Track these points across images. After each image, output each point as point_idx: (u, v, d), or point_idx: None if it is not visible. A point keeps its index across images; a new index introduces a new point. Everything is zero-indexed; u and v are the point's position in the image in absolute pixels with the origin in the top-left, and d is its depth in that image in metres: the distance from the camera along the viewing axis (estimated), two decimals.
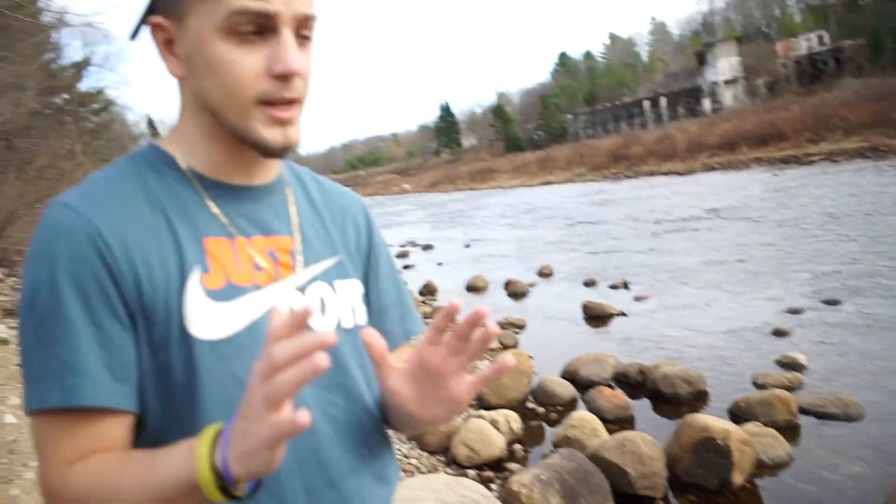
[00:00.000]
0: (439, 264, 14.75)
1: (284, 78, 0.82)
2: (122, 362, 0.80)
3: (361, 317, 1.00)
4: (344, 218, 1.06)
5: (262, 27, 0.81)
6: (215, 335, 0.83)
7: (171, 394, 0.83)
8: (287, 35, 0.82)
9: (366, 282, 1.05)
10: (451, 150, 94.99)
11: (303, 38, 0.86)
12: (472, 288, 11.41)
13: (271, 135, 0.84)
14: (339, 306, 0.97)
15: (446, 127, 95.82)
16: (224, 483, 0.69)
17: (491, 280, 11.71)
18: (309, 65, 0.86)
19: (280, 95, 0.83)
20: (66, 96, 23.27)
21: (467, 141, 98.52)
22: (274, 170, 0.97)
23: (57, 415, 0.78)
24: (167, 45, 0.86)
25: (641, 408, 5.51)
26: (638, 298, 9.14)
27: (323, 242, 0.99)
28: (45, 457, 0.80)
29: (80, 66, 24.46)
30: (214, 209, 0.89)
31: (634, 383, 5.99)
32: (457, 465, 4.85)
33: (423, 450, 5.12)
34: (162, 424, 0.83)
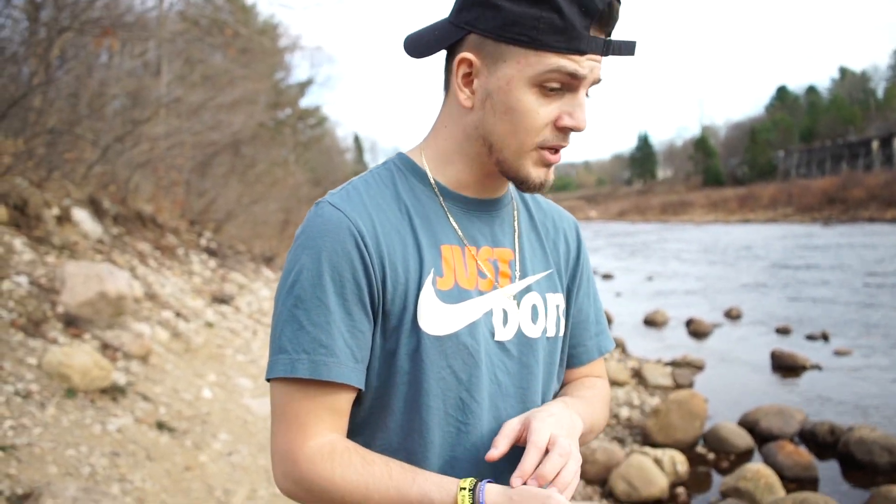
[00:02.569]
0: (618, 294, 14.36)
1: (568, 131, 0.95)
2: (362, 346, 0.94)
3: (562, 328, 1.11)
4: (556, 234, 1.14)
5: (566, 85, 0.91)
6: (440, 331, 0.95)
7: (392, 377, 0.96)
8: (582, 96, 0.93)
9: (568, 296, 1.13)
10: (643, 181, 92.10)
11: (586, 96, 0.96)
12: (650, 322, 10.99)
13: (537, 174, 0.97)
14: (549, 316, 1.07)
15: (642, 157, 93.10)
16: None
17: (671, 316, 11.20)
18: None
19: (559, 144, 0.95)
20: (288, 111, 25.82)
21: (662, 172, 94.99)
22: (504, 187, 1.07)
23: (301, 384, 0.92)
24: (466, 78, 0.96)
25: (828, 470, 5.00)
26: (838, 353, 8.28)
27: (538, 256, 1.09)
28: (285, 419, 0.93)
29: (304, 85, 27.05)
30: (452, 220, 1.01)
31: (822, 443, 5.44)
32: (613, 499, 4.71)
33: (580, 477, 5.03)
34: (374, 402, 0.98)
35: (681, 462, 4.97)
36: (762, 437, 5.59)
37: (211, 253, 9.28)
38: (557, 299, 1.09)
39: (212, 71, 11.92)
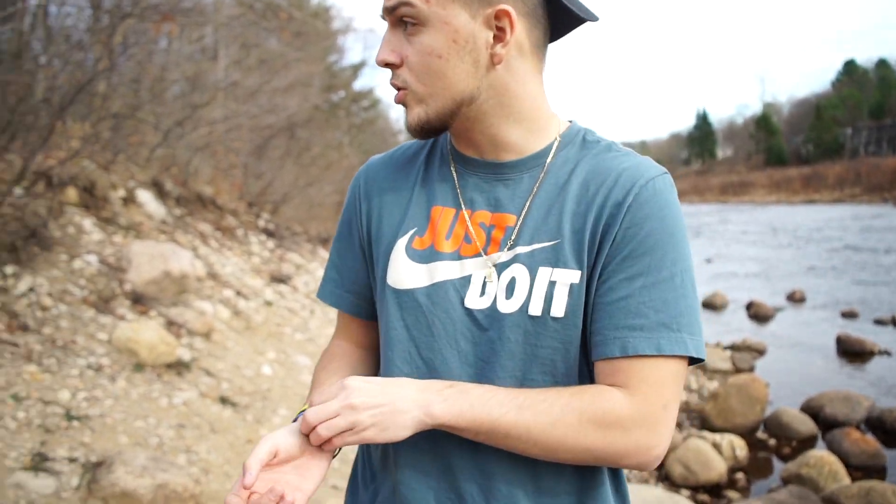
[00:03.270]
0: None
1: (386, 68, 0.94)
2: (348, 279, 1.12)
3: (559, 308, 0.91)
4: (593, 199, 0.93)
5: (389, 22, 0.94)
6: (400, 286, 1.00)
7: (378, 321, 1.09)
8: (385, 29, 0.94)
9: (593, 272, 0.92)
10: (702, 161, 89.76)
11: (407, 24, 0.90)
12: (709, 305, 10.75)
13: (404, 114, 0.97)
14: (534, 292, 0.92)
15: (701, 136, 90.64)
16: None
17: (731, 299, 10.94)
18: (414, 50, 0.91)
19: (391, 83, 0.95)
20: (342, 94, 26.04)
21: (722, 152, 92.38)
22: (530, 147, 0.98)
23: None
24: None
25: None
26: None
27: (547, 225, 0.94)
28: None
29: (357, 68, 27.20)
30: (457, 182, 1.01)
31: (891, 430, 5.26)
32: (670, 483, 4.66)
33: None
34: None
35: (740, 447, 4.87)
36: (826, 424, 5.43)
37: (269, 234, 9.48)
38: (562, 275, 0.92)
39: (267, 55, 12.09)
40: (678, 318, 0.88)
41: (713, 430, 5.35)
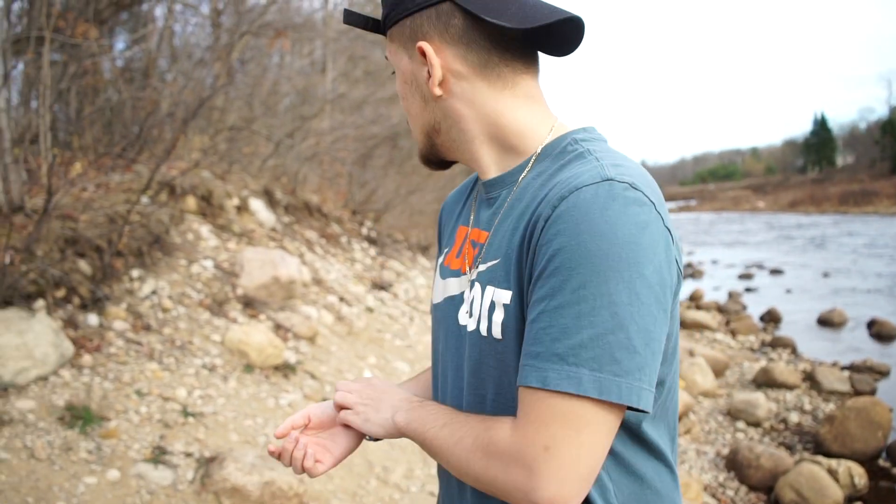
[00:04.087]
0: (788, 291, 13.35)
1: None
2: None
3: (497, 328, 0.89)
4: (525, 212, 0.89)
5: None
6: (433, 301, 1.12)
7: None
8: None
9: (524, 293, 0.87)
10: (819, 168, 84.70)
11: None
12: (826, 322, 10.12)
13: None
14: (482, 312, 0.92)
15: (819, 142, 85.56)
16: None
17: (851, 316, 10.25)
18: (397, 88, 1.03)
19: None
20: None
21: (842, 159, 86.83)
22: (507, 164, 0.98)
23: None
24: None
25: None
26: None
27: (497, 243, 0.93)
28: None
29: None
30: (475, 203, 1.08)
31: None
32: None
33: (742, 482, 4.77)
34: None
35: (859, 475, 4.56)
36: None
37: (371, 241, 9.74)
38: (501, 295, 0.89)
39: (372, 67, 12.45)
40: (578, 349, 0.76)
41: (828, 454, 5.03)
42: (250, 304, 4.98)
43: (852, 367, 7.46)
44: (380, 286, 7.58)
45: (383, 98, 11.24)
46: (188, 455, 3.24)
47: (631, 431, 0.89)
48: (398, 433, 0.99)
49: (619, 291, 0.76)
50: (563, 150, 0.92)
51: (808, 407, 6.24)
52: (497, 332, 0.90)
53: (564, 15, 0.89)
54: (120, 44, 7.96)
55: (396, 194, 12.48)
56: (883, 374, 7.29)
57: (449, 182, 17.22)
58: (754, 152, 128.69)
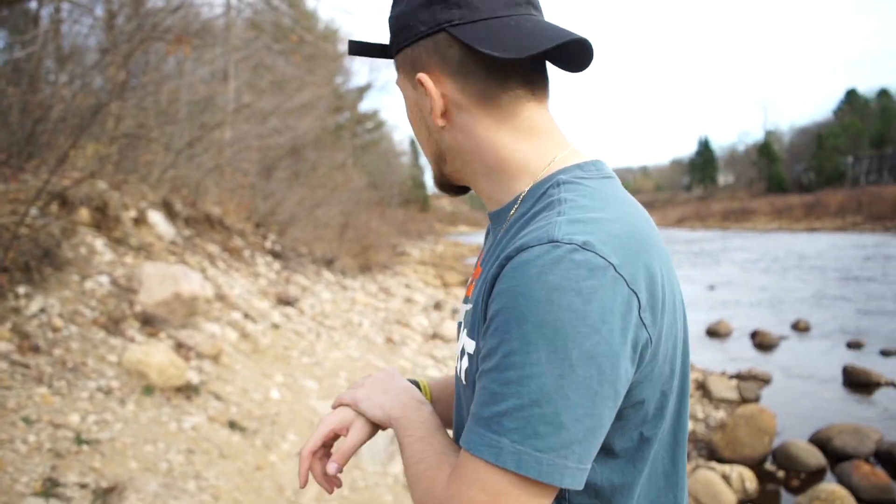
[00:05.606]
0: None
1: None
2: None
3: (463, 375, 0.91)
4: (491, 265, 0.84)
5: None
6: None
7: None
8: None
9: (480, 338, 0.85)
10: (704, 187, 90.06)
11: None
12: (713, 333, 10.73)
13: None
14: (460, 357, 0.93)
15: (703, 162, 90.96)
16: None
17: (735, 327, 10.91)
18: (408, 119, 1.01)
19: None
20: (347, 115, 26.22)
21: (723, 178, 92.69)
22: (503, 198, 0.94)
23: None
24: None
25: None
26: None
27: (479, 287, 0.89)
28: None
29: (363, 90, 27.46)
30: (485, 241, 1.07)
31: None
32: None
33: None
34: None
35: (749, 479, 4.84)
36: (835, 457, 5.39)
37: (275, 255, 9.50)
38: (468, 344, 0.88)
39: (277, 77, 12.20)
40: (501, 418, 0.73)
41: (721, 461, 5.32)
42: (150, 322, 4.74)
43: (739, 376, 7.93)
44: (285, 301, 7.40)
45: (291, 109, 11.04)
46: (83, 486, 3.03)
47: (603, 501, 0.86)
48: (388, 424, 0.98)
49: (549, 362, 0.72)
50: (543, 194, 0.88)
51: (701, 415, 6.58)
52: (463, 378, 0.90)
53: (564, 39, 0.83)
54: None
55: (301, 207, 12.26)
56: (766, 381, 7.79)
57: (353, 195, 17.09)
58: (644, 171, 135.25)
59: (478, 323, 0.84)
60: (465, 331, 0.90)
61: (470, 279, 1.00)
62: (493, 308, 0.77)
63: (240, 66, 11.60)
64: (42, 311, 4.19)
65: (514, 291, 0.74)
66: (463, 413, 0.93)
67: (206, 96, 9.81)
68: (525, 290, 0.73)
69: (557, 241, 0.75)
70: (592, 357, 0.72)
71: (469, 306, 0.92)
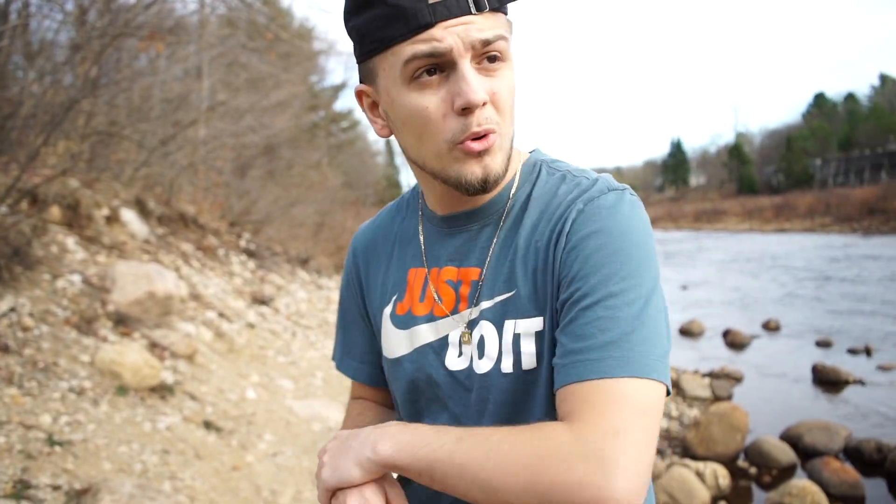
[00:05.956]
0: None
1: (468, 112, 0.81)
2: (361, 351, 1.12)
3: (529, 360, 0.87)
4: (547, 234, 0.88)
5: (442, 65, 0.80)
6: (391, 354, 1.01)
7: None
8: (464, 67, 0.80)
9: (552, 309, 0.86)
10: (676, 188, 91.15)
11: (493, 59, 0.82)
12: (686, 332, 10.87)
13: (468, 170, 0.84)
14: (503, 349, 0.88)
15: (675, 164, 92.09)
16: None
17: (707, 326, 11.06)
18: (503, 87, 0.83)
19: (469, 131, 0.81)
20: (322, 114, 26.07)
21: (695, 179, 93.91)
22: (483, 197, 0.92)
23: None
24: (372, 109, 0.91)
25: (875, 488, 4.90)
26: (882, 368, 8.10)
27: (502, 276, 0.89)
28: None
29: (338, 89, 27.32)
30: (423, 241, 0.99)
31: (869, 461, 5.33)
32: None
33: None
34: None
35: (723, 476, 4.91)
36: (805, 453, 5.49)
37: (250, 254, 9.41)
38: (526, 325, 0.87)
39: (252, 74, 12.09)
40: (630, 335, 0.77)
41: (695, 458, 5.38)
42: (123, 322, 4.67)
43: (711, 374, 8.05)
44: (260, 301, 7.34)
45: (266, 107, 10.95)
46: (56, 488, 2.97)
47: None
48: (382, 467, 0.80)
49: (648, 282, 0.81)
50: (539, 175, 0.94)
51: (675, 413, 6.66)
52: (529, 363, 0.87)
53: None
54: None
55: (276, 206, 12.17)
56: (738, 380, 7.91)
57: (328, 195, 16.99)
58: (618, 171, 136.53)
59: (542, 297, 0.86)
60: (507, 320, 0.88)
61: (422, 293, 0.96)
62: (584, 252, 0.82)
63: (214, 63, 11.47)
64: (12, 310, 4.10)
65: (613, 230, 0.82)
66: (518, 407, 0.88)
67: (179, 94, 9.69)
68: (624, 227, 0.83)
69: (617, 189, 0.87)
70: (659, 275, 0.85)
71: (492, 301, 0.89)
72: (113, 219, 6.06)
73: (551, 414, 0.82)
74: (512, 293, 0.88)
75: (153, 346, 4.59)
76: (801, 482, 4.50)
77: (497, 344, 0.88)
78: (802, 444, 5.60)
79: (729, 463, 5.38)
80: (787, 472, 5.27)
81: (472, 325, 0.91)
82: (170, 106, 9.20)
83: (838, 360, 8.36)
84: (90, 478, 3.12)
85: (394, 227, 1.05)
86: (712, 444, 5.55)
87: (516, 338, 0.87)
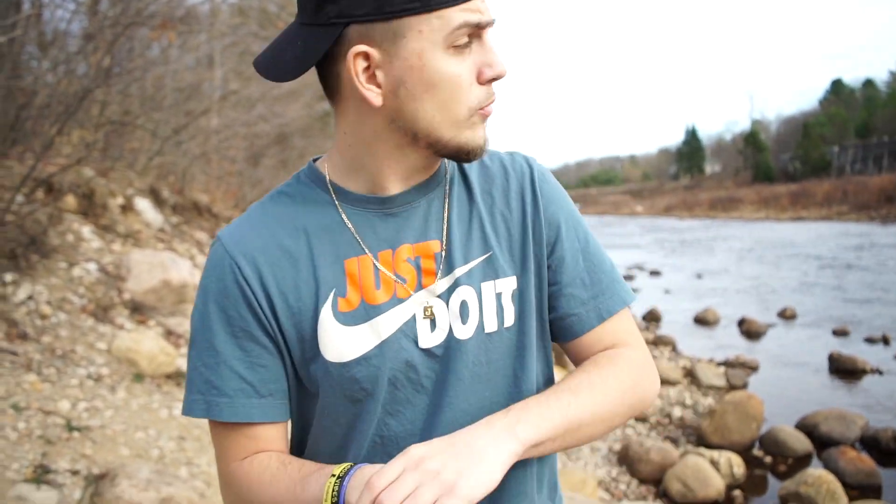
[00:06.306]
0: (666, 292, 14.15)
1: (492, 82, 0.85)
2: (266, 379, 0.90)
3: (510, 317, 0.93)
4: (506, 198, 0.96)
5: (472, 36, 0.83)
6: (346, 357, 0.88)
7: (307, 408, 0.94)
8: (491, 40, 0.85)
9: (538, 267, 0.95)
10: (690, 176, 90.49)
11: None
12: (701, 321, 10.80)
13: (479, 136, 0.87)
14: (484, 310, 0.92)
15: (690, 151, 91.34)
16: None
17: (723, 315, 10.99)
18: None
19: (491, 100, 0.86)
20: None
21: (710, 167, 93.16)
22: (428, 172, 0.94)
23: (216, 423, 0.91)
24: (367, 73, 0.82)
25: (892, 477, 4.86)
26: None
27: (473, 241, 0.93)
28: (218, 452, 0.93)
29: None
30: (353, 229, 0.90)
31: (886, 450, 5.29)
32: (668, 499, 4.66)
33: (633, 476, 5.00)
34: (300, 430, 0.97)
35: (737, 464, 4.89)
36: (821, 442, 5.45)
37: None
38: (504, 284, 0.92)
39: None
40: (614, 270, 1.00)
41: (710, 446, 5.36)
42: (138, 310, 4.71)
43: (727, 363, 8.00)
44: None
45: (278, 96, 10.96)
46: (75, 473, 3.01)
47: None
48: (525, 452, 0.81)
49: (584, 224, 1.01)
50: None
51: (689, 402, 6.63)
52: (509, 320, 0.94)
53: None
54: None
55: None
56: (753, 368, 7.86)
57: None
58: (633, 159, 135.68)
59: (517, 253, 0.95)
60: (484, 283, 0.92)
61: (377, 279, 0.90)
62: (553, 209, 0.97)
63: (226, 52, 11.48)
64: (30, 298, 4.14)
65: (560, 191, 1.00)
66: (495, 367, 0.93)
67: (191, 83, 9.72)
68: (559, 186, 1.01)
69: (532, 158, 1.02)
70: None
71: (466, 267, 0.92)
72: (127, 207, 6.10)
73: (533, 365, 0.94)
74: (489, 254, 0.93)
75: (168, 334, 4.62)
76: (816, 471, 4.47)
77: (478, 306, 0.91)
78: (818, 433, 5.56)
79: (744, 452, 5.36)
80: (802, 462, 5.23)
81: (447, 293, 0.91)
82: (182, 95, 9.23)
83: (855, 349, 8.28)
84: (108, 463, 3.15)
85: (296, 221, 0.91)
86: (727, 432, 5.52)
87: (498, 297, 0.92)
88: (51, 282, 4.41)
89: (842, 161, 67.03)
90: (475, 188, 0.96)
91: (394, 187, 0.91)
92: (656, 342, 9.22)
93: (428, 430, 0.90)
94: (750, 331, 9.97)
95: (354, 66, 0.81)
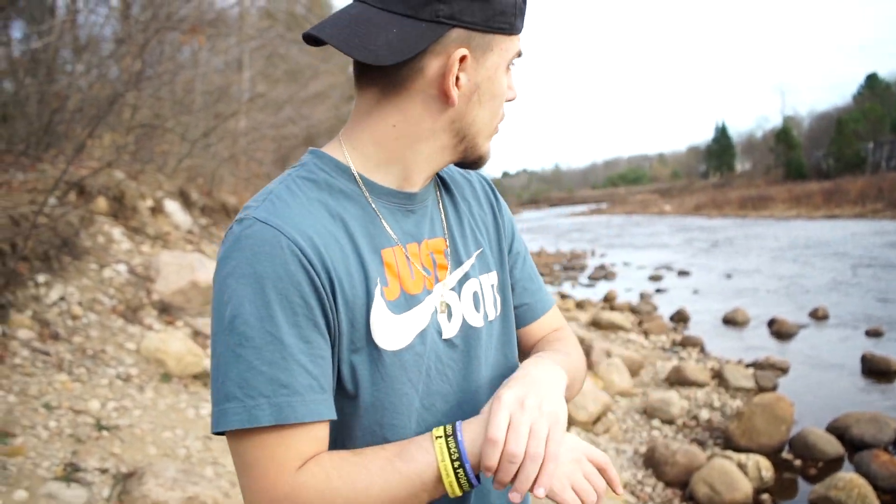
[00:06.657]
0: (695, 292, 13.98)
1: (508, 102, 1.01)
2: (326, 374, 0.84)
3: (498, 306, 1.06)
4: (476, 203, 1.10)
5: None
6: (397, 345, 0.88)
7: (352, 400, 0.89)
8: (512, 70, 0.98)
9: (503, 263, 1.10)
10: (720, 174, 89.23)
11: None
12: (730, 321, 10.65)
13: (490, 147, 1.00)
14: (486, 299, 1.03)
15: (719, 149, 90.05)
16: (467, 475, 0.83)
17: (752, 315, 10.82)
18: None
19: (504, 117, 1.01)
20: None
21: (741, 165, 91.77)
22: (430, 176, 1.00)
23: (267, 430, 0.79)
24: (454, 75, 0.87)
25: None
26: None
27: (467, 236, 1.04)
28: (263, 471, 0.80)
29: None
30: (384, 220, 0.92)
31: None
32: (694, 503, 4.61)
33: (659, 479, 4.95)
34: (341, 423, 0.89)
35: (766, 468, 4.81)
36: (853, 445, 5.35)
37: None
38: (492, 278, 1.06)
39: (293, 66, 12.21)
40: (537, 273, 1.20)
41: (737, 449, 5.29)
42: (167, 311, 4.78)
43: (756, 365, 7.88)
44: None
45: (305, 98, 11.05)
46: (103, 471, 3.07)
47: None
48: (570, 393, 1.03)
49: None
50: None
51: (717, 404, 6.55)
52: (498, 309, 1.06)
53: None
54: (16, 32, 7.49)
55: None
56: (783, 370, 7.73)
57: None
58: (661, 158, 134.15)
59: (496, 251, 1.09)
60: (483, 275, 1.04)
61: (410, 269, 0.93)
62: (508, 215, 1.14)
63: (254, 55, 11.61)
64: (62, 299, 4.24)
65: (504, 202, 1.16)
66: (493, 353, 1.05)
67: (220, 86, 9.84)
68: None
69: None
70: None
71: (470, 261, 1.03)
72: (157, 210, 6.20)
73: (508, 355, 1.07)
74: (480, 250, 1.05)
75: (196, 335, 4.69)
76: (847, 475, 4.39)
77: (482, 297, 1.02)
78: (850, 435, 5.45)
79: (773, 455, 5.27)
80: (833, 465, 5.14)
81: (458, 286, 0.99)
82: (211, 98, 9.35)
83: (890, 350, 8.09)
84: (136, 462, 3.21)
85: (329, 208, 0.88)
86: (756, 435, 5.44)
87: (492, 288, 1.05)
88: (82, 283, 4.51)
89: (877, 157, 65.53)
90: (454, 193, 1.07)
91: (416, 185, 0.96)
92: (683, 343, 9.11)
93: (453, 420, 0.92)
94: (780, 331, 9.81)
95: (459, 64, 0.88)
